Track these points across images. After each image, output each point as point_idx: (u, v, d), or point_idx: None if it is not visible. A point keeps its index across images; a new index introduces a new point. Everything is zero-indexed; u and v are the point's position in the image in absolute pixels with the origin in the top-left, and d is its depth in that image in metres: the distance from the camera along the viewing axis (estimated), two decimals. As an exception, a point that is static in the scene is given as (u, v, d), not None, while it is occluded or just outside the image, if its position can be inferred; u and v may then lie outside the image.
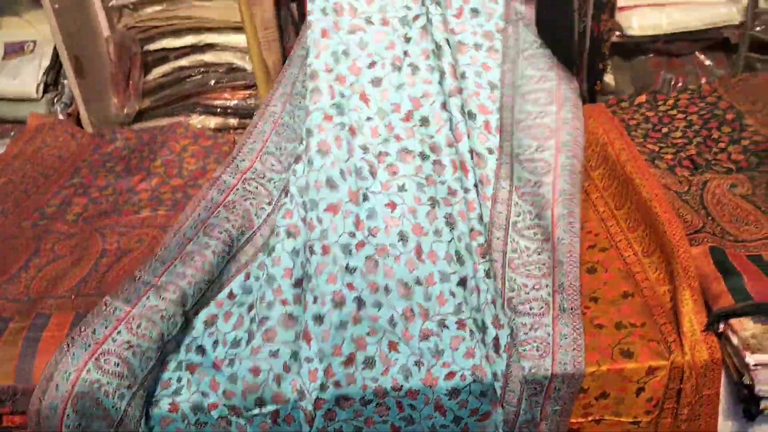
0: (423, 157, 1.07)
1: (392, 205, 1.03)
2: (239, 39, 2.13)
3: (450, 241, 1.01)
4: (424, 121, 1.08)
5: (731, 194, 1.12)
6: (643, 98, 1.43)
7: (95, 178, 1.25)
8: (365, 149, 1.06)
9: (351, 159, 1.05)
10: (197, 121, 2.21)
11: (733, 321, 0.93)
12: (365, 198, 1.04)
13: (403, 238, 1.01)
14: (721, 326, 0.94)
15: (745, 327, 0.91)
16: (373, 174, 1.05)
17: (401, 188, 1.04)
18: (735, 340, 0.92)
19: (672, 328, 0.97)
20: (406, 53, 1.12)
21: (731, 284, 0.95)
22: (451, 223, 1.03)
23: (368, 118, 1.08)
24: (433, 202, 1.04)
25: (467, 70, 1.19)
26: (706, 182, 1.15)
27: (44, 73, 1.98)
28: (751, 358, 0.89)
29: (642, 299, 1.04)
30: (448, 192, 1.05)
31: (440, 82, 1.11)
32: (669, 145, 1.27)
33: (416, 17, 1.14)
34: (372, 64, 1.11)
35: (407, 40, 1.12)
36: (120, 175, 1.25)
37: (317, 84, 1.08)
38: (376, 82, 1.10)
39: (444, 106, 1.10)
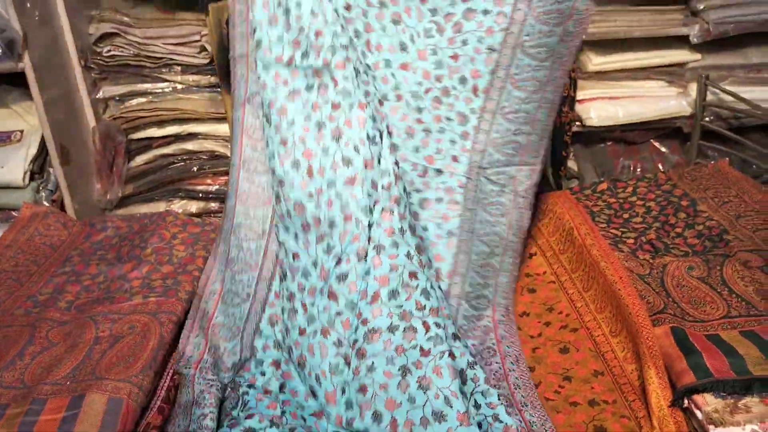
0: (392, 329, 1.11)
1: (364, 389, 1.07)
2: (221, 128, 2.22)
3: (425, 404, 1.03)
4: (393, 294, 1.13)
5: (689, 276, 1.21)
6: (604, 186, 1.54)
7: (87, 267, 1.29)
8: (339, 344, 1.11)
9: (326, 359, 1.10)
10: (179, 205, 2.27)
11: (696, 397, 0.99)
12: (343, 392, 1.09)
13: (377, 418, 1.04)
14: (686, 402, 1.01)
15: (708, 402, 0.98)
16: (348, 365, 1.10)
17: (370, 369, 1.08)
18: (699, 415, 0.98)
19: (641, 404, 1.04)
20: (369, 239, 1.17)
21: (692, 362, 1.02)
22: (425, 386, 1.05)
23: (338, 313, 1.13)
24: (405, 371, 1.07)
25: (428, 224, 1.27)
26: (666, 265, 1.24)
27: (31, 162, 2.04)
28: (714, 432, 0.95)
29: (612, 377, 1.10)
30: (421, 353, 1.08)
31: (407, 255, 1.17)
32: (630, 230, 1.37)
33: (377, 201, 1.20)
34: (338, 262, 1.16)
35: (370, 226, 1.18)
36: (111, 263, 1.29)
37: (293, 305, 1.15)
38: (342, 277, 1.15)
39: (413, 275, 1.15)
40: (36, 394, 0.96)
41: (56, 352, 1.07)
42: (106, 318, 1.13)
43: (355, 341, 1.08)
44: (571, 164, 2.38)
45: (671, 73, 2.25)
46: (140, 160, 2.26)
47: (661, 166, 2.28)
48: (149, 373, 1.03)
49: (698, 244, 1.31)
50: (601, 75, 2.20)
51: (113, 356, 1.04)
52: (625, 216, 1.43)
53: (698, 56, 2.22)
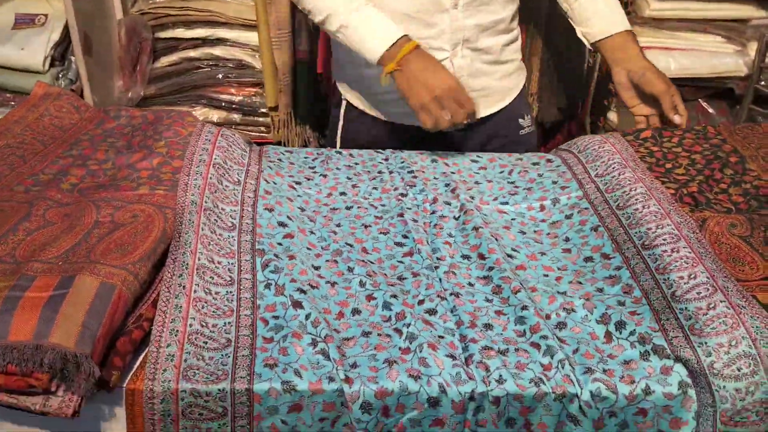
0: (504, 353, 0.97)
1: None
2: (251, 36, 2.14)
3: None
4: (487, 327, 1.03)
5: (730, 234, 1.12)
6: (648, 133, 1.44)
7: (95, 152, 1.23)
8: (453, 357, 0.96)
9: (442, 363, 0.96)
10: (200, 113, 2.21)
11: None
12: None
13: None
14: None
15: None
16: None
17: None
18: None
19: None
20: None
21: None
22: None
23: (440, 336, 1.00)
24: None
25: None
26: (706, 220, 1.16)
27: (52, 47, 1.98)
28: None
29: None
30: None
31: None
32: (672, 181, 1.28)
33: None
34: (420, 302, 1.06)
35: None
36: (121, 152, 1.23)
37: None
38: (432, 312, 1.03)
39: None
40: (25, 270, 0.91)
41: (52, 232, 1.02)
42: (108, 204, 1.07)
43: (471, 355, 0.97)
44: (612, 116, 2.27)
45: (731, 29, 2.11)
46: (165, 61, 2.19)
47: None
48: (147, 263, 0.97)
49: (743, 203, 1.22)
50: (658, 22, 2.07)
51: (111, 243, 0.99)
52: (668, 166, 1.33)
53: (764, 13, 2.07)
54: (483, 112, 1.56)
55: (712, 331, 0.94)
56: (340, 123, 1.66)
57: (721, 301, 0.97)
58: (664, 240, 1.10)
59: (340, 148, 1.62)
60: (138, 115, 1.35)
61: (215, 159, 1.24)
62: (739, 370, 0.90)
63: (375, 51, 1.32)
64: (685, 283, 1.02)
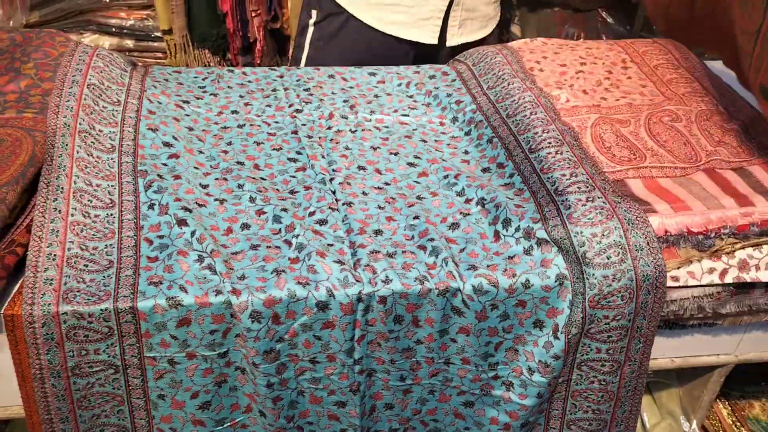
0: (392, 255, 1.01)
1: None
2: (139, -45, 2.01)
3: None
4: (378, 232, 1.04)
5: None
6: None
7: (-43, 78, 1.15)
8: (341, 263, 0.98)
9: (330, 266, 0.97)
10: (90, 40, 2.09)
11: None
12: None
13: None
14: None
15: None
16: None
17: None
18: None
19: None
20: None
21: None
22: None
23: (329, 245, 1.01)
24: None
25: None
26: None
27: None
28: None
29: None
30: None
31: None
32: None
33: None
34: (311, 214, 1.08)
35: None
36: (-14, 76, 1.16)
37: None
38: (322, 222, 1.05)
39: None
40: None
41: None
42: (-29, 130, 1.01)
43: (359, 259, 0.97)
44: (515, 30, 2.28)
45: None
46: (46, -16, 2.05)
47: (604, 37, 2.20)
48: (15, 187, 0.93)
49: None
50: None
51: (-26, 169, 0.94)
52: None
53: None
54: (470, 36, 1.65)
55: (588, 221, 0.98)
56: (305, 52, 1.65)
57: (598, 197, 1.01)
58: (549, 143, 1.13)
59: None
60: (5, 37, 1.26)
61: (90, 80, 1.18)
62: (608, 259, 0.94)
63: None
64: (567, 180, 1.05)
